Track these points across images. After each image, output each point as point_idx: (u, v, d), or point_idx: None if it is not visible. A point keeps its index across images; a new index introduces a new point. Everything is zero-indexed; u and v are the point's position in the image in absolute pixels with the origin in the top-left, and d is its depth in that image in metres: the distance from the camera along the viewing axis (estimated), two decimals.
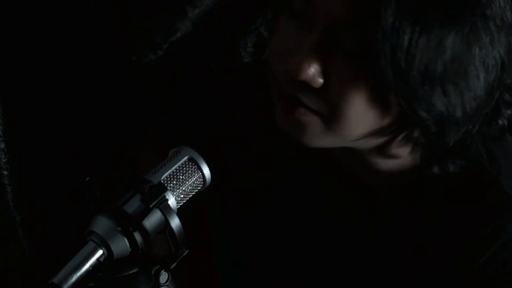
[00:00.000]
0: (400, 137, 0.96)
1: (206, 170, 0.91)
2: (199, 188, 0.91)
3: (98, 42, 1.30)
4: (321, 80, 0.91)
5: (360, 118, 0.92)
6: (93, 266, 0.82)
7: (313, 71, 0.90)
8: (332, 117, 0.93)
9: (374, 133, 0.95)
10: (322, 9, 0.90)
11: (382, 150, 0.99)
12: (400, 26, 0.84)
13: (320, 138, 0.96)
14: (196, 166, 0.90)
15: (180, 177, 0.89)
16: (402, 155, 1.00)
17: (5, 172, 1.25)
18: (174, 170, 0.89)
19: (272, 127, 1.05)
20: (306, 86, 0.92)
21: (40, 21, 1.28)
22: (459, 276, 1.04)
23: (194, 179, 0.90)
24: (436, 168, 1.00)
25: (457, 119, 0.91)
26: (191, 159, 0.90)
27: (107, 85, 1.32)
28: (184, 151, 0.90)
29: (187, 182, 0.89)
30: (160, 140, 1.26)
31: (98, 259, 0.83)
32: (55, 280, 0.80)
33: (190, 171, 0.90)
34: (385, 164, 1.03)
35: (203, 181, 0.91)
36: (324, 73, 0.91)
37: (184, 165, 0.90)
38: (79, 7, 1.29)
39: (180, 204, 0.89)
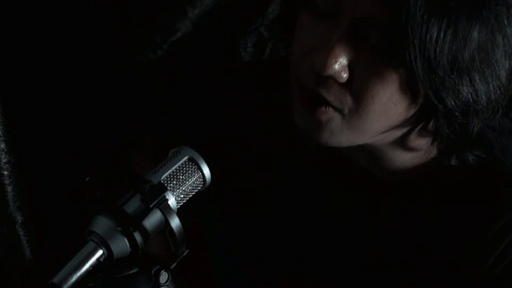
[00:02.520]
0: (418, 129, 0.98)
1: (206, 170, 0.91)
2: (199, 188, 0.91)
3: (98, 42, 1.30)
4: (346, 75, 0.92)
5: (384, 111, 0.93)
6: (93, 266, 0.82)
7: (339, 66, 0.91)
8: (354, 111, 0.94)
9: (396, 126, 0.96)
10: (350, 4, 0.91)
11: (400, 143, 1.01)
12: (429, 19, 0.87)
13: (339, 136, 0.97)
14: (196, 166, 0.90)
15: (180, 177, 0.89)
16: (421, 148, 1.01)
17: (5, 172, 1.25)
18: (174, 170, 0.89)
19: (272, 127, 1.05)
20: (330, 81, 0.93)
21: (40, 21, 1.28)
22: (471, 272, 1.04)
23: (194, 179, 0.90)
24: (454, 159, 1.01)
25: (481, 107, 0.93)
26: (191, 159, 0.90)
27: (107, 85, 1.32)
28: (184, 151, 0.90)
29: (187, 182, 0.89)
30: (153, 144, 1.26)
31: (98, 259, 0.83)
32: (55, 280, 0.80)
33: (190, 171, 0.90)
34: (400, 158, 1.04)
35: (203, 181, 0.91)
36: (349, 68, 0.92)
37: (184, 165, 0.90)
38: (79, 7, 1.29)
39: (180, 204, 0.89)
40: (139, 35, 1.32)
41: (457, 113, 0.92)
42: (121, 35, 1.31)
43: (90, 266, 0.82)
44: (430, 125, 0.97)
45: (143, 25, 1.31)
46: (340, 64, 0.91)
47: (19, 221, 1.28)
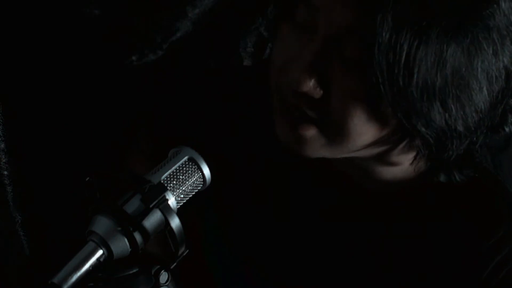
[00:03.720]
0: (401, 146, 0.95)
1: (206, 170, 0.91)
2: (199, 188, 0.91)
3: (98, 42, 1.30)
4: (321, 91, 0.90)
5: (363, 128, 0.90)
6: (93, 266, 0.82)
7: (313, 82, 0.89)
8: (334, 128, 0.92)
9: (376, 143, 0.94)
10: (325, 15, 0.89)
11: (382, 158, 0.98)
12: (397, 41, 0.83)
13: (321, 150, 0.96)
14: (196, 166, 0.90)
15: (180, 177, 0.89)
16: (404, 163, 0.99)
17: (5, 172, 1.25)
18: (174, 170, 0.89)
19: (272, 127, 1.05)
20: (308, 97, 0.91)
21: (40, 21, 1.27)
22: (466, 283, 1.03)
23: (194, 179, 0.90)
24: (442, 177, 0.98)
25: (458, 133, 0.89)
26: (191, 159, 0.90)
27: (107, 85, 1.32)
28: (184, 151, 0.90)
29: (187, 182, 0.89)
30: (151, 144, 1.26)
31: (98, 259, 0.83)
32: (55, 280, 0.80)
33: (190, 171, 0.90)
34: (388, 171, 1.02)
35: (203, 181, 0.91)
36: (326, 83, 0.90)
37: (184, 165, 0.90)
38: (79, 7, 1.29)
39: (180, 204, 0.89)
40: (139, 35, 1.32)
41: (430, 138, 0.89)
42: (121, 35, 1.31)
43: (90, 266, 0.82)
44: (417, 143, 0.93)
45: (143, 25, 1.31)
46: (314, 81, 0.89)
47: (19, 221, 1.28)
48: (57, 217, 1.30)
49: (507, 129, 0.95)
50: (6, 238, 1.29)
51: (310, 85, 0.89)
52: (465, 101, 0.87)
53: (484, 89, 0.87)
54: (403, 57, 0.83)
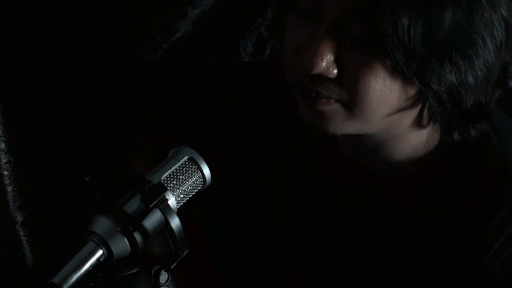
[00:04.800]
0: (419, 112, 0.99)
1: (206, 170, 0.91)
2: (199, 188, 0.91)
3: (98, 42, 1.30)
4: (335, 71, 0.93)
5: (381, 98, 0.94)
6: (93, 266, 0.82)
7: (326, 63, 0.93)
8: (353, 103, 0.95)
9: (398, 110, 0.97)
10: (328, 1, 0.92)
11: (405, 129, 1.01)
12: (398, 9, 0.87)
13: (345, 125, 0.98)
14: (196, 166, 0.90)
15: (180, 177, 0.89)
16: (423, 132, 1.02)
17: (5, 172, 1.25)
18: (174, 170, 0.89)
19: (272, 127, 1.05)
20: (323, 78, 0.94)
21: (40, 21, 1.27)
22: (471, 266, 1.04)
23: (194, 179, 0.90)
24: (456, 134, 1.01)
25: (470, 86, 0.93)
26: (191, 159, 0.90)
27: (107, 85, 1.32)
28: (184, 151, 0.90)
29: (187, 182, 0.89)
30: (152, 144, 1.26)
31: (98, 259, 0.83)
32: (55, 280, 0.80)
33: (190, 171, 0.90)
34: (399, 150, 1.04)
35: (203, 181, 0.91)
36: (338, 62, 0.93)
37: (184, 165, 0.90)
38: (79, 7, 1.29)
39: (180, 204, 0.89)
40: (139, 35, 1.32)
41: (444, 94, 0.93)
42: (121, 35, 1.31)
43: (90, 266, 0.82)
44: (427, 107, 0.98)
45: (143, 25, 1.31)
46: (327, 61, 0.92)
47: (19, 221, 1.28)
48: (57, 217, 1.30)
49: (511, 83, 0.99)
50: (6, 238, 1.29)
51: (323, 66, 0.93)
52: (472, 55, 0.91)
53: (488, 41, 0.91)
54: (405, 22, 0.88)
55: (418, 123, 1.01)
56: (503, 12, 0.92)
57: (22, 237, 1.29)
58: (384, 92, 0.93)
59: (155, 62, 1.32)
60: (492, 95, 0.98)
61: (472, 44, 0.91)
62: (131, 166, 1.25)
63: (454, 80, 0.92)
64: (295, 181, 1.14)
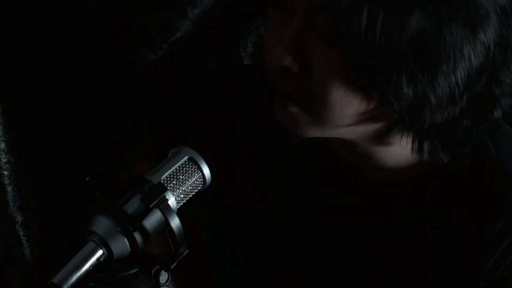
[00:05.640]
0: (384, 122, 0.95)
1: (206, 170, 0.91)
2: (199, 188, 0.91)
3: (98, 42, 1.30)
4: (299, 65, 0.92)
5: (343, 103, 0.91)
6: (93, 266, 0.82)
7: (292, 57, 0.91)
8: (315, 103, 0.93)
9: (364, 119, 0.94)
10: None
11: (376, 138, 0.98)
12: (356, 7, 0.84)
13: (311, 128, 0.97)
14: (196, 166, 0.90)
15: (180, 177, 0.89)
16: (399, 142, 0.98)
17: (5, 172, 1.25)
18: (174, 170, 0.89)
19: (272, 128, 1.05)
20: (289, 73, 0.93)
21: (40, 21, 1.27)
22: (468, 277, 1.03)
23: (194, 179, 0.90)
24: (426, 155, 0.98)
25: (430, 104, 0.88)
26: (191, 159, 0.90)
27: (108, 85, 1.32)
28: (184, 151, 0.90)
29: (187, 182, 0.89)
30: (151, 144, 1.26)
31: (98, 259, 0.83)
32: (55, 280, 0.80)
33: (190, 171, 0.90)
34: (388, 157, 1.02)
35: (203, 181, 0.91)
36: (305, 58, 0.92)
37: (184, 165, 0.90)
38: (79, 7, 1.29)
39: (180, 204, 0.89)
40: (139, 35, 1.32)
41: (400, 109, 0.89)
42: (121, 35, 1.31)
43: (90, 266, 0.82)
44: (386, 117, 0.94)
45: (143, 25, 1.31)
46: (293, 55, 0.91)
47: (19, 221, 1.28)
48: (57, 217, 1.30)
49: (496, 114, 0.95)
50: (6, 238, 1.29)
51: (289, 59, 0.91)
52: (434, 72, 0.86)
53: (456, 62, 0.86)
54: (363, 22, 0.84)
55: (394, 136, 0.97)
56: (484, 39, 0.87)
57: (22, 237, 1.29)
58: (346, 96, 0.90)
59: (155, 62, 1.32)
60: (472, 115, 0.93)
61: (435, 61, 0.86)
62: (130, 166, 1.25)
63: (411, 95, 0.87)
64: (295, 181, 1.14)
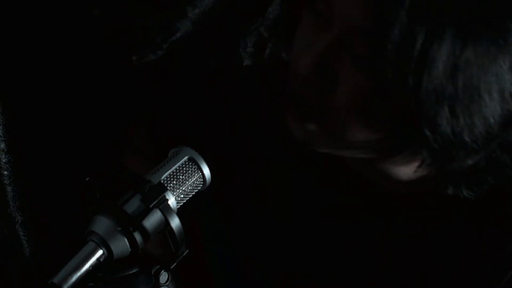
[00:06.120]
0: (404, 153, 0.93)
1: (206, 170, 0.91)
2: (199, 188, 0.91)
3: (98, 42, 1.30)
4: (326, 79, 0.90)
5: (366, 122, 0.90)
6: (93, 266, 0.82)
7: (320, 69, 0.90)
8: (335, 122, 0.92)
9: (383, 140, 0.92)
10: (340, 12, 0.89)
11: (397, 159, 0.96)
12: (411, 37, 0.80)
13: (323, 145, 0.96)
14: (196, 166, 0.90)
15: (180, 177, 0.89)
16: (405, 170, 0.98)
17: (5, 172, 1.25)
18: (174, 170, 0.89)
19: (272, 128, 1.05)
20: (314, 85, 0.92)
21: (40, 21, 1.28)
22: (469, 275, 1.03)
23: (194, 179, 0.90)
24: (450, 189, 0.96)
25: (464, 143, 0.85)
26: (191, 159, 0.90)
27: (107, 85, 1.32)
28: (184, 151, 0.90)
29: (187, 182, 0.89)
30: (148, 145, 1.26)
31: (98, 259, 0.83)
32: (55, 280, 0.80)
33: (190, 171, 0.90)
34: (401, 171, 1.00)
35: (203, 181, 0.91)
36: (333, 74, 0.90)
37: (184, 165, 0.90)
38: (79, 7, 1.29)
39: (180, 204, 0.89)
40: (139, 35, 1.32)
41: (435, 144, 0.86)
42: (121, 35, 1.31)
43: (90, 266, 0.82)
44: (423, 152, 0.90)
45: (143, 25, 1.31)
46: (321, 67, 0.90)
47: (19, 221, 1.28)
48: (57, 217, 1.30)
49: None
50: (6, 238, 1.29)
51: (316, 71, 0.90)
52: (474, 111, 0.83)
53: (496, 103, 0.83)
54: (416, 54, 0.80)
55: (403, 161, 0.96)
56: None
57: (22, 237, 1.29)
58: (370, 118, 0.89)
59: (155, 62, 1.32)
60: (496, 159, 0.90)
61: (477, 100, 0.82)
62: (130, 166, 1.25)
63: (449, 132, 0.84)
64: (295, 181, 1.14)
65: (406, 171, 1.00)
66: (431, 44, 0.80)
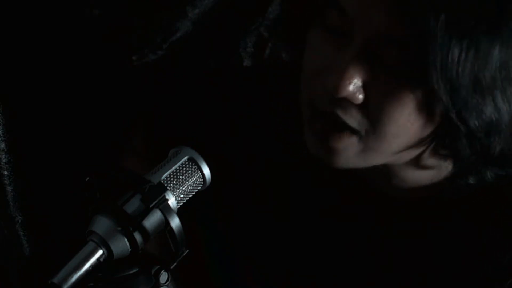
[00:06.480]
0: (432, 148, 0.95)
1: (206, 170, 0.91)
2: (199, 188, 0.91)
3: (98, 42, 1.30)
4: (361, 96, 0.90)
5: (401, 132, 0.91)
6: (93, 266, 0.82)
7: (353, 87, 0.89)
8: (371, 133, 0.92)
9: (412, 146, 0.94)
10: (361, 22, 0.89)
11: (414, 162, 0.98)
12: (451, 39, 0.84)
13: (355, 160, 0.96)
14: (196, 166, 0.90)
15: (180, 177, 0.89)
16: (434, 166, 0.99)
17: (5, 172, 1.25)
18: (174, 170, 0.89)
19: (272, 128, 1.05)
20: (345, 102, 0.91)
21: (40, 21, 1.27)
22: (468, 281, 1.03)
23: (194, 179, 0.90)
24: (472, 178, 0.98)
25: (504, 126, 0.90)
26: (191, 159, 0.90)
27: (107, 85, 1.32)
28: (184, 151, 0.90)
29: (187, 182, 0.89)
30: (144, 145, 1.26)
31: (98, 259, 0.83)
32: (55, 280, 0.80)
33: (190, 171, 0.90)
34: (413, 177, 1.02)
35: (203, 181, 0.91)
36: (364, 88, 0.90)
37: (184, 165, 0.90)
38: (79, 7, 1.29)
39: (180, 204, 0.89)
40: (139, 35, 1.32)
41: (480, 133, 0.90)
42: (121, 35, 1.31)
43: (90, 266, 0.82)
44: (447, 145, 0.94)
45: (143, 25, 1.31)
46: (354, 85, 0.89)
47: (19, 221, 1.28)
48: (57, 217, 1.30)
49: None
50: (6, 238, 1.29)
51: (349, 90, 0.89)
52: (511, 94, 0.89)
53: None
54: (456, 55, 0.85)
55: (430, 157, 0.98)
56: None
57: (22, 237, 1.29)
58: (405, 126, 0.91)
59: (155, 62, 1.32)
60: None
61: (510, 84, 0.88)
62: (130, 167, 1.25)
63: (493, 119, 0.89)
64: (295, 181, 1.14)
65: (418, 174, 1.01)
66: (469, 47, 0.85)
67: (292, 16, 1.00)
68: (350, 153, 0.95)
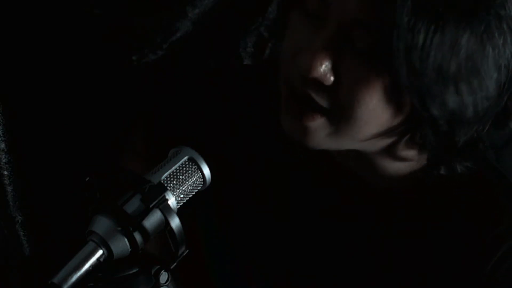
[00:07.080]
0: (407, 138, 0.96)
1: (206, 170, 0.91)
2: (199, 188, 0.91)
3: (98, 42, 1.30)
4: (332, 78, 0.91)
5: (371, 117, 0.92)
6: (93, 266, 0.82)
7: (324, 68, 0.90)
8: (342, 116, 0.93)
9: (383, 134, 0.95)
10: (336, 7, 0.90)
11: (389, 152, 0.99)
12: (415, 24, 0.84)
13: (326, 141, 0.96)
14: (196, 166, 0.90)
15: (180, 177, 0.89)
16: (410, 157, 1.00)
17: (5, 172, 1.25)
18: (174, 170, 0.89)
19: (272, 128, 1.05)
20: (317, 84, 0.92)
21: (40, 21, 1.28)
22: (467, 280, 1.03)
23: (194, 179, 0.90)
24: (443, 169, 0.99)
25: (468, 118, 0.91)
26: (191, 159, 0.90)
27: (107, 85, 1.32)
28: (184, 151, 0.90)
29: (187, 182, 0.89)
30: (143, 145, 1.26)
31: (98, 259, 0.83)
32: (55, 280, 0.80)
33: (190, 171, 0.90)
34: (392, 166, 1.03)
35: (203, 181, 0.91)
36: (336, 71, 0.91)
37: (184, 165, 0.90)
38: (79, 7, 1.29)
39: (180, 204, 0.89)
40: (139, 35, 1.32)
41: (442, 123, 0.90)
42: (121, 35, 1.31)
43: (90, 266, 0.82)
44: (418, 135, 0.95)
45: (143, 25, 1.31)
46: (325, 67, 0.90)
47: (19, 221, 1.28)
48: (57, 217, 1.30)
49: (511, 125, 0.97)
50: (6, 238, 1.29)
51: (320, 71, 0.90)
52: (476, 86, 0.89)
53: (494, 76, 0.89)
54: (420, 40, 0.85)
55: (404, 148, 0.99)
56: (509, 51, 0.89)
57: (22, 237, 1.29)
58: (375, 111, 0.91)
59: (155, 62, 1.32)
60: (487, 136, 0.96)
61: (478, 76, 0.88)
62: (130, 167, 1.25)
63: (455, 109, 0.89)
64: (295, 181, 1.14)
65: (397, 165, 1.02)
66: (435, 31, 0.85)
67: (285, 13, 1.01)
68: (321, 133, 0.95)
